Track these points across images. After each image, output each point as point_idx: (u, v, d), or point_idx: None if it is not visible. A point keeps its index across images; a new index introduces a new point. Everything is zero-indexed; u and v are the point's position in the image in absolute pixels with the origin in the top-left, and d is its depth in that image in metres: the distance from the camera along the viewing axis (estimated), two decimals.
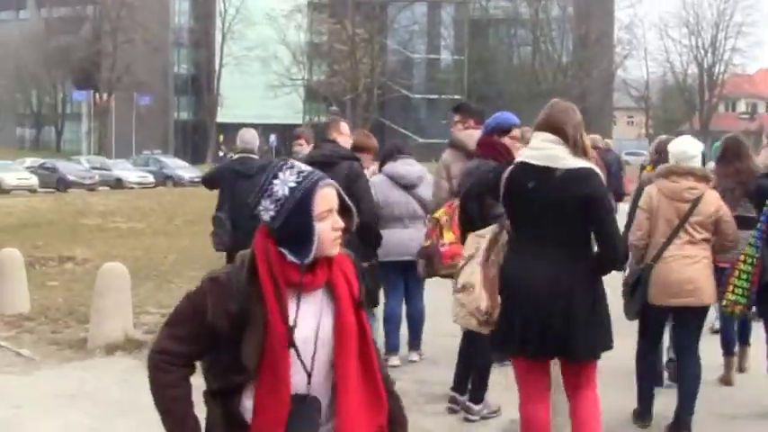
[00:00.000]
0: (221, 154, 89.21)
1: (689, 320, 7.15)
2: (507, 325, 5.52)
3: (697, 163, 7.14)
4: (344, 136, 8.16)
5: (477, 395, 7.40)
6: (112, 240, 21.53)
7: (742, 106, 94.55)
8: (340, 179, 5.75)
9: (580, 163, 5.42)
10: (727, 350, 8.67)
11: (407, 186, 8.99)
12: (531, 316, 5.39)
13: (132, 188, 49.57)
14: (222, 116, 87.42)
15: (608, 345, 5.55)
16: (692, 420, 7.08)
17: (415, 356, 9.39)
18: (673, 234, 6.95)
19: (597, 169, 5.52)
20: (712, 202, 7.02)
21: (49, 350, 9.81)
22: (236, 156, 10.34)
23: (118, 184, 52.14)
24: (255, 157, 10.14)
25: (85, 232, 23.50)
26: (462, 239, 6.58)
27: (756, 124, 78.65)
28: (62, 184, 49.40)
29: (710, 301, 7.16)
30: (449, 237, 7.41)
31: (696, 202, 6.93)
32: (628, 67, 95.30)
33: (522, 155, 5.68)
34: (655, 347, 7.58)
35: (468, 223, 6.60)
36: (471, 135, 7.81)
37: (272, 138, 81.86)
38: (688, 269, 6.89)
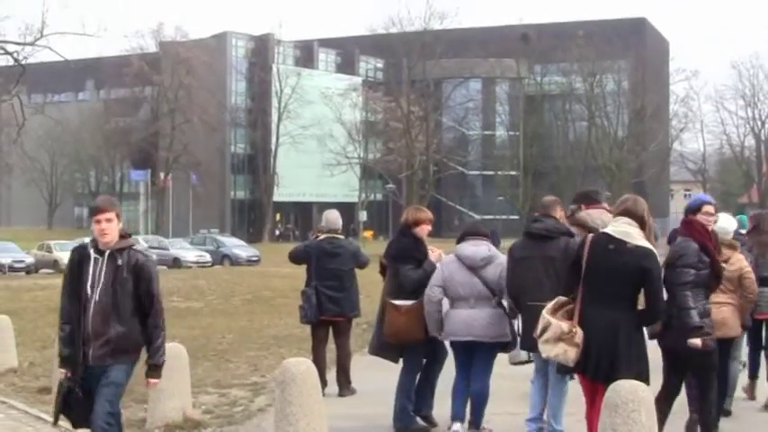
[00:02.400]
0: (278, 233, 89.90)
1: (726, 348, 9.19)
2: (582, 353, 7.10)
3: (729, 235, 9.48)
4: (562, 214, 9.14)
5: None
6: (170, 320, 21.28)
7: None
8: (557, 252, 8.31)
9: (645, 243, 7.06)
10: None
11: (472, 268, 9.04)
12: (600, 348, 7.04)
13: (189, 267, 49.67)
14: (278, 195, 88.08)
15: (642, 377, 6.80)
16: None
17: None
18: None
19: (655, 250, 7.10)
20: (736, 263, 9.18)
21: None
22: (324, 236, 11.42)
23: (175, 263, 52.28)
24: (341, 236, 11.31)
25: None
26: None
27: None
28: None
29: (735, 334, 9.32)
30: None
31: (725, 263, 8.92)
32: (684, 141, 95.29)
33: (606, 228, 7.33)
34: None
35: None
36: (590, 214, 9.09)
37: None
38: (720, 311, 8.79)
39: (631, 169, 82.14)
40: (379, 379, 12.00)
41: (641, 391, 6.01)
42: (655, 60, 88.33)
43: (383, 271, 10.19)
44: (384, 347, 9.73)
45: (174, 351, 9.86)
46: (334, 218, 11.52)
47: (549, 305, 7.27)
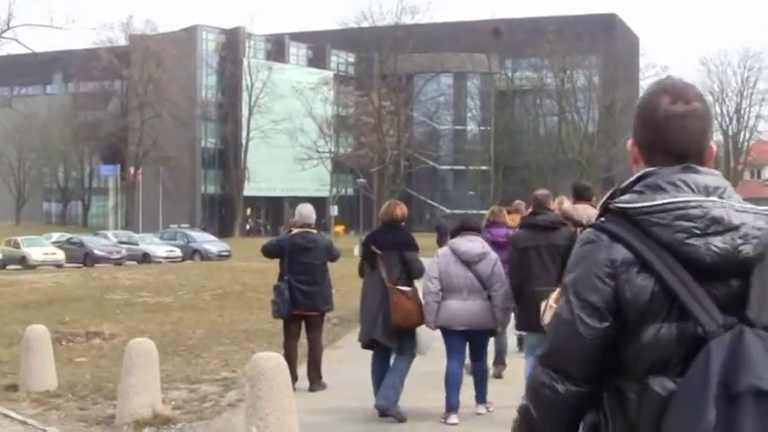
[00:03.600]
0: (248, 227, 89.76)
1: None
2: None
3: None
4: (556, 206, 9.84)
5: None
6: (140, 315, 21.35)
7: (767, 173, 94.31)
8: (562, 241, 8.79)
9: None
10: None
11: (467, 263, 9.54)
12: None
13: (160, 262, 49.46)
14: (249, 189, 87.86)
15: None
16: None
17: (482, 409, 9.81)
18: None
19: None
20: None
21: (77, 427, 9.59)
22: (297, 230, 11.43)
23: (145, 258, 52.05)
24: (314, 231, 11.30)
25: (113, 307, 23.34)
26: None
27: None
28: (89, 259, 49.39)
29: None
30: None
31: None
32: None
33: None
34: None
35: None
36: (576, 208, 9.60)
37: None
38: None
39: (601, 164, 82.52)
40: (348, 373, 12.03)
41: None
42: (625, 56, 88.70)
43: (364, 266, 10.33)
44: (390, 335, 9.84)
45: (144, 346, 9.79)
46: (307, 212, 11.61)
47: (555, 294, 7.22)
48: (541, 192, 9.94)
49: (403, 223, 10.28)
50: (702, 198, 2.46)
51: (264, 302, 23.74)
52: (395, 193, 77.10)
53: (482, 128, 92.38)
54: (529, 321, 8.72)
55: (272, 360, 7.22)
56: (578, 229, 7.87)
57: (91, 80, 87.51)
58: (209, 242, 59.60)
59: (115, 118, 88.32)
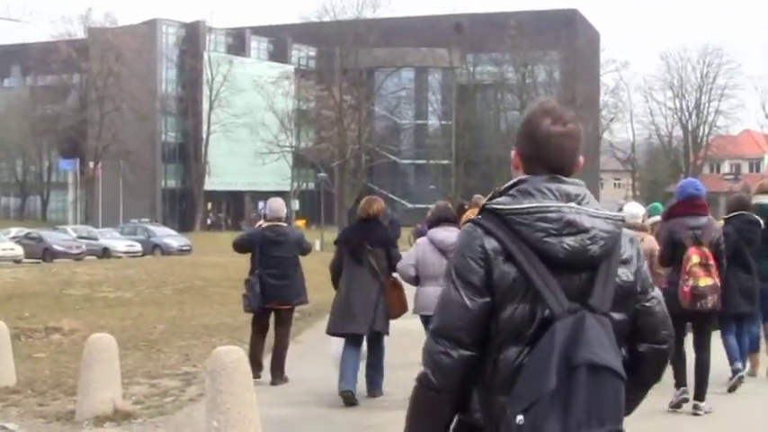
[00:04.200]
0: (209, 222, 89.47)
1: None
2: None
3: (639, 220, 11.09)
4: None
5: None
6: (100, 310, 21.26)
7: (726, 167, 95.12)
8: None
9: None
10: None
11: (443, 251, 9.83)
12: None
13: (120, 257, 49.20)
14: (210, 184, 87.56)
15: None
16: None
17: None
18: None
19: None
20: (647, 243, 10.24)
21: (36, 423, 9.53)
22: (267, 224, 11.56)
23: (105, 253, 51.81)
24: (284, 224, 11.48)
25: (72, 303, 23.21)
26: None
27: (741, 185, 78.98)
28: (48, 255, 49.06)
29: None
30: (704, 281, 9.21)
31: None
32: (614, 131, 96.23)
33: None
34: None
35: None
36: None
37: (261, 205, 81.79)
38: None
39: None
40: (310, 367, 12.06)
41: None
42: (585, 51, 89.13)
43: (342, 260, 10.68)
44: (387, 325, 10.40)
45: (104, 342, 9.75)
46: (277, 206, 11.70)
47: None
48: (478, 196, 10.71)
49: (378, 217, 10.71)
50: (562, 204, 2.98)
51: (225, 297, 23.77)
52: (356, 188, 77.21)
53: (443, 122, 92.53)
54: None
55: (233, 354, 7.23)
56: None
57: (49, 73, 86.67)
58: (169, 237, 59.47)
59: (74, 111, 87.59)
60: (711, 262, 9.26)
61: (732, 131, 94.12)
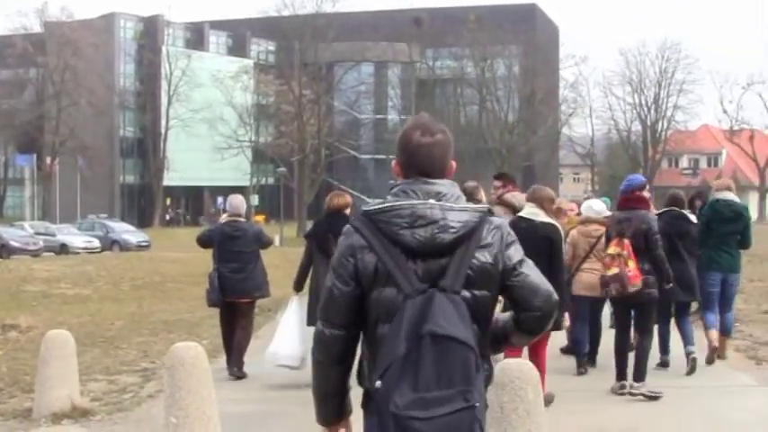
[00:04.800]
0: (168, 217, 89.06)
1: (597, 308, 11.81)
2: None
3: (602, 215, 11.67)
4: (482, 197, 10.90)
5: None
6: (57, 307, 21.13)
7: (684, 162, 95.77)
8: None
9: (549, 219, 9.37)
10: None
11: None
12: None
13: (78, 253, 48.84)
14: (169, 179, 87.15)
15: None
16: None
17: None
18: (586, 256, 11.44)
19: (558, 224, 9.47)
20: None
21: None
22: (226, 219, 11.93)
23: (63, 249, 51.41)
24: (243, 219, 11.79)
25: (29, 299, 23.06)
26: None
27: (699, 180, 79.75)
28: (5, 251, 48.59)
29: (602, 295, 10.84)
30: (632, 265, 9.99)
31: (599, 238, 11.17)
32: (573, 125, 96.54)
33: (521, 212, 9.54)
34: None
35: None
36: (515, 196, 10.85)
37: (220, 200, 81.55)
38: (593, 276, 10.93)
39: (521, 153, 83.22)
40: (269, 363, 12.04)
41: (527, 368, 6.14)
42: (545, 46, 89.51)
43: (313, 254, 10.95)
44: None
45: (61, 338, 9.70)
46: (237, 203, 12.01)
47: None
48: (471, 183, 10.91)
49: (347, 211, 10.89)
50: (418, 201, 3.56)
51: (184, 293, 23.72)
52: (315, 183, 77.08)
53: (403, 117, 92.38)
54: None
55: (192, 350, 7.20)
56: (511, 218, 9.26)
57: (5, 68, 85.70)
58: (128, 232, 59.17)
59: (31, 106, 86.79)
60: (626, 252, 9.96)
61: (690, 126, 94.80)
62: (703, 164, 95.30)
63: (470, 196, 10.36)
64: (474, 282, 3.54)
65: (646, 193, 10.44)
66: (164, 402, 7.25)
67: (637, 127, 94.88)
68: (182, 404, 6.97)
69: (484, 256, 3.58)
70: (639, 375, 9.99)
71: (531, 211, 9.39)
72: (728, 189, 12.16)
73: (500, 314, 3.82)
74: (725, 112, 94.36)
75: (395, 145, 3.79)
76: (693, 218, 12.00)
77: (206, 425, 7.05)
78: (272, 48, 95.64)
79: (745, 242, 12.02)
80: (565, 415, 9.05)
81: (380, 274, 3.54)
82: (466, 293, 3.51)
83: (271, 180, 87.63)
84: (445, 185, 3.64)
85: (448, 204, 3.57)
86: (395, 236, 3.52)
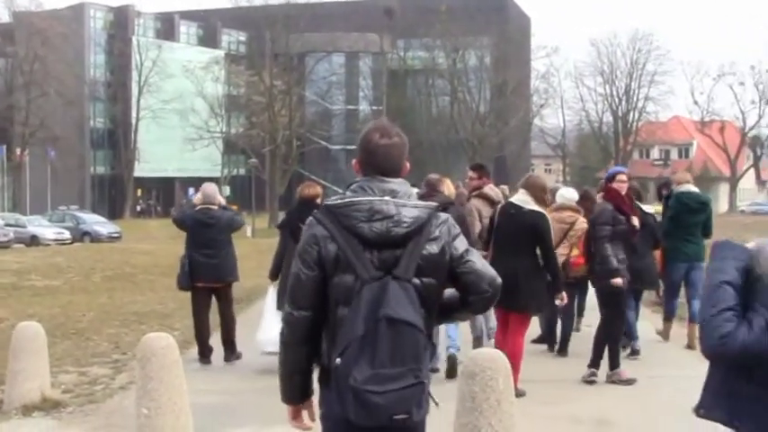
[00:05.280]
0: (139, 209, 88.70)
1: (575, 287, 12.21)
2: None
3: (572, 202, 12.18)
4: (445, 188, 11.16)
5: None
6: (28, 299, 21.01)
7: (656, 153, 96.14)
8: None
9: (537, 208, 9.68)
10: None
11: None
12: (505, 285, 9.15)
13: (48, 245, 48.57)
14: (140, 170, 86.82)
15: (538, 305, 9.83)
16: None
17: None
18: (559, 241, 11.41)
19: (546, 213, 9.83)
20: (579, 224, 11.80)
21: None
22: (199, 206, 12.07)
23: (33, 241, 51.09)
24: (215, 207, 12.04)
25: None
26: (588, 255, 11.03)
27: (669, 171, 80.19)
28: None
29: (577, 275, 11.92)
30: (575, 252, 11.41)
31: (573, 224, 11.86)
32: (545, 116, 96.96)
33: (511, 198, 10.21)
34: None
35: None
36: (492, 188, 12.13)
37: (191, 191, 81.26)
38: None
39: (493, 144, 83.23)
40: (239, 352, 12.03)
41: (498, 358, 6.17)
42: (516, 37, 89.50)
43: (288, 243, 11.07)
44: None
45: (32, 330, 9.66)
46: (210, 191, 12.21)
47: None
48: (433, 176, 11.23)
49: (318, 201, 10.96)
50: (375, 198, 3.98)
51: (155, 284, 23.65)
52: (287, 174, 76.92)
53: (374, 107, 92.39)
54: None
55: (163, 340, 7.19)
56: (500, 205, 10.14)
57: None
58: (98, 224, 58.89)
59: (0, 97, 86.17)
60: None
61: (661, 117, 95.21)
62: (674, 155, 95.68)
63: (433, 188, 10.77)
64: (424, 271, 3.96)
65: (617, 184, 10.64)
66: (135, 394, 7.24)
67: (608, 118, 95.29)
68: (153, 395, 6.97)
69: (432, 248, 4.00)
70: (611, 363, 10.38)
71: (521, 198, 9.75)
72: (688, 182, 12.79)
73: (446, 290, 4.21)
74: (696, 103, 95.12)
75: None
76: (649, 208, 12.71)
77: (177, 415, 7.05)
78: (242, 38, 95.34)
79: (708, 231, 12.56)
80: (535, 405, 9.11)
81: (341, 261, 3.93)
82: (416, 281, 3.93)
83: (242, 171, 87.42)
84: (399, 184, 4.07)
85: (401, 201, 3.99)
86: (354, 228, 3.93)
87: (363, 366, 3.72)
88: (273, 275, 11.53)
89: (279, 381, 4.22)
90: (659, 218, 13.08)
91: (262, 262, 22.10)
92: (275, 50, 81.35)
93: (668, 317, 12.93)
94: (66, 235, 53.44)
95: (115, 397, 10.04)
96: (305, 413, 4.26)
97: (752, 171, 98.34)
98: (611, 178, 10.81)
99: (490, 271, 4.20)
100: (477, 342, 11.59)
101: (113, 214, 78.82)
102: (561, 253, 11.42)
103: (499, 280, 4.22)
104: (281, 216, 12.83)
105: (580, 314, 13.59)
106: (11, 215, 61.26)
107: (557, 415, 9.06)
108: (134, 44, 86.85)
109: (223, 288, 12.19)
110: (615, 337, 10.46)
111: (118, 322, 15.94)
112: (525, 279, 9.46)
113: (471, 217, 11.65)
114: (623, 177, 10.76)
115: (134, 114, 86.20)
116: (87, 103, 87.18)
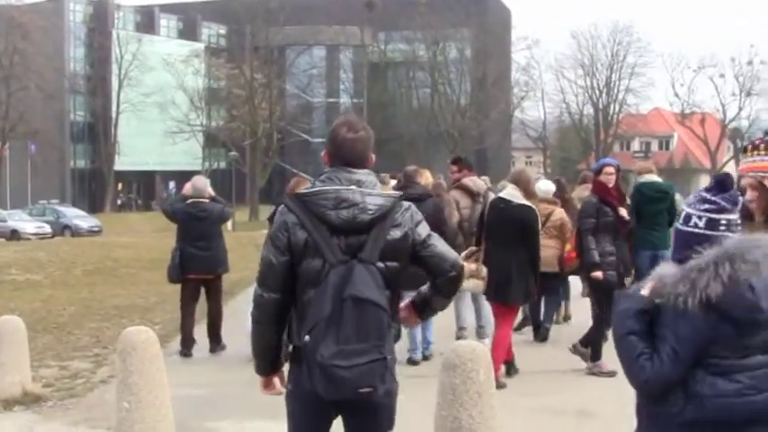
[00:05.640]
0: (120, 202, 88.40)
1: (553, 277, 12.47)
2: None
3: (549, 194, 12.65)
4: (423, 180, 11.54)
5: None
6: (8, 293, 20.93)
7: (636, 145, 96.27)
8: (428, 210, 9.06)
9: (526, 202, 9.98)
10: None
11: None
12: (499, 278, 9.83)
13: (29, 239, 48.36)
14: (120, 164, 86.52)
15: (528, 297, 10.32)
16: None
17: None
18: None
19: (535, 207, 10.14)
20: (557, 215, 12.53)
21: None
22: (190, 200, 12.18)
23: (13, 235, 50.86)
24: (206, 200, 12.19)
25: None
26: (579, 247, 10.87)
27: (650, 163, 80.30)
28: None
29: (554, 269, 12.31)
30: (568, 247, 11.97)
31: (549, 215, 12.35)
32: (525, 108, 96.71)
33: (500, 193, 10.36)
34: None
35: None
36: (473, 180, 12.31)
37: (171, 185, 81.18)
38: (546, 251, 11.29)
39: (474, 136, 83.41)
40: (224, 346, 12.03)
41: (479, 350, 6.19)
42: (497, 29, 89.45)
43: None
44: None
45: (12, 324, 9.65)
46: (200, 185, 12.35)
47: (463, 254, 9.97)
48: (411, 168, 11.44)
49: None
50: (341, 187, 4.29)
51: (136, 278, 23.59)
52: (267, 167, 76.85)
53: (355, 100, 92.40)
54: None
55: (143, 334, 7.18)
56: (491, 199, 10.52)
57: None
58: (79, 218, 58.67)
59: None
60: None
61: (642, 110, 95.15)
62: (655, 147, 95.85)
63: (410, 179, 11.05)
64: (387, 255, 4.29)
65: (605, 176, 10.72)
66: (116, 387, 7.24)
67: (589, 110, 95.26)
68: (134, 389, 6.96)
69: (396, 234, 4.33)
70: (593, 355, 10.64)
71: (510, 193, 10.06)
72: (650, 172, 13.01)
73: (422, 287, 4.60)
74: (676, 95, 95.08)
75: None
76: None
77: (158, 409, 7.05)
78: (222, 31, 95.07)
79: (672, 219, 12.62)
80: (516, 396, 9.15)
81: (309, 247, 4.25)
82: (380, 264, 4.25)
83: (223, 164, 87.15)
84: (365, 174, 4.40)
85: (367, 190, 4.32)
86: (322, 215, 4.25)
87: (330, 343, 4.01)
88: None
89: (252, 356, 4.60)
90: None
91: (244, 254, 22.08)
92: (255, 43, 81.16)
93: None
94: (47, 229, 53.20)
95: (96, 391, 10.03)
96: (276, 380, 4.61)
97: (732, 163, 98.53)
98: (599, 171, 10.92)
99: (452, 253, 4.52)
100: (461, 333, 11.68)
101: (94, 208, 78.53)
102: (543, 244, 11.34)
103: (461, 261, 4.56)
104: (262, 209, 12.90)
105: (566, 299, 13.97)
106: None
107: (538, 407, 9.10)
108: (114, 37, 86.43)
109: (213, 280, 12.34)
110: (601, 329, 10.56)
111: (99, 316, 15.91)
112: (518, 273, 9.86)
113: (450, 207, 11.80)
114: (611, 170, 10.77)
115: (114, 108, 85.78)
116: (67, 96, 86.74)
